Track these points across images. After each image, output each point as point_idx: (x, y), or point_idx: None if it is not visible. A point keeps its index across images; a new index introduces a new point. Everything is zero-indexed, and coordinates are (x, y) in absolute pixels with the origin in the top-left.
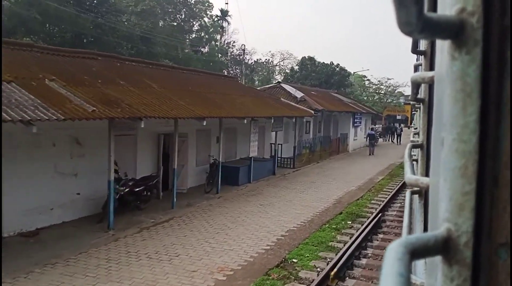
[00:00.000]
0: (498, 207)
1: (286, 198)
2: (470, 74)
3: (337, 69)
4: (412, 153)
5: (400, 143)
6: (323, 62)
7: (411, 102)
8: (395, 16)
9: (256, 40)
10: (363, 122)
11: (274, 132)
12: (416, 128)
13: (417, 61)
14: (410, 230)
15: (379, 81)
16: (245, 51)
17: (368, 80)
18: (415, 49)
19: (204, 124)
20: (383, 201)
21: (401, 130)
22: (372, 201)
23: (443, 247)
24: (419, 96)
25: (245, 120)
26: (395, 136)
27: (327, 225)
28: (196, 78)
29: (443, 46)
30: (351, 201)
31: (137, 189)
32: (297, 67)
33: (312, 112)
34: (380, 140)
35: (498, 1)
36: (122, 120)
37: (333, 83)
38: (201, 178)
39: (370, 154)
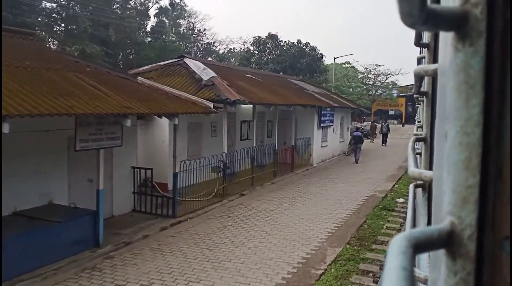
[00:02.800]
0: (503, 200)
1: None
2: (474, 66)
3: (305, 49)
4: (416, 147)
5: (386, 145)
6: (288, 41)
7: (415, 95)
8: (397, 7)
9: (233, 28)
10: (337, 120)
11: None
12: (419, 122)
13: (420, 53)
14: (414, 224)
15: (366, 68)
16: (195, 30)
17: (352, 67)
18: (418, 42)
19: None
20: None
21: (387, 128)
22: None
23: (447, 241)
24: (422, 89)
25: None
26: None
27: None
28: None
29: (446, 38)
30: None
31: None
32: (254, 48)
33: (211, 106)
34: (367, 141)
35: None
36: None
37: (301, 68)
38: None
39: (356, 162)
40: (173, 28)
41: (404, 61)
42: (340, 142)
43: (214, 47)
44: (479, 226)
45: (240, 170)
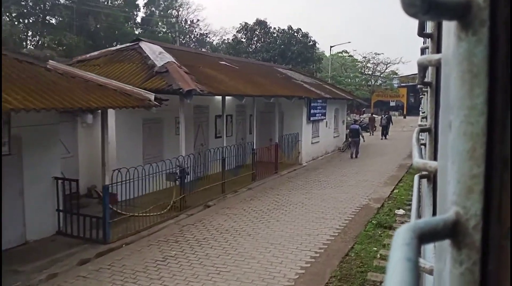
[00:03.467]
0: (508, 190)
1: None
2: (477, 55)
3: (296, 35)
4: (420, 137)
5: (386, 138)
6: (278, 28)
7: (419, 86)
8: None
9: (229, 23)
10: (331, 113)
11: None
12: (424, 112)
13: (423, 43)
14: (419, 215)
15: (364, 57)
16: (187, 20)
17: (350, 56)
18: (421, 32)
19: None
20: None
21: (387, 120)
22: None
23: (452, 231)
24: (426, 79)
25: None
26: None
27: None
28: None
29: (449, 28)
30: None
31: None
32: (241, 35)
33: (152, 97)
34: (366, 134)
35: None
36: None
37: (292, 56)
38: None
39: (352, 157)
40: (164, 19)
41: (404, 58)
42: (334, 137)
43: (207, 38)
44: (485, 216)
45: (211, 174)
